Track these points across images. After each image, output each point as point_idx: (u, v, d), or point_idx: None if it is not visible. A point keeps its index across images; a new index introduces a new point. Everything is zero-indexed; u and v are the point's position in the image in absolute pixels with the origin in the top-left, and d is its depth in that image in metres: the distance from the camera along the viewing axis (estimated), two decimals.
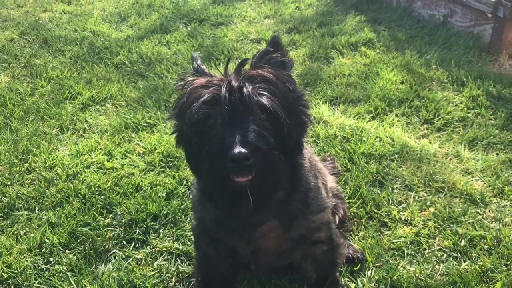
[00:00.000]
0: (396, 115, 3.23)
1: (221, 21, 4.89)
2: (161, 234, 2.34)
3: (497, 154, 2.84)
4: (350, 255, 2.13)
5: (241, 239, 1.71)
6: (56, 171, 2.76)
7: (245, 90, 1.40)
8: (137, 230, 2.35)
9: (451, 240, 2.25)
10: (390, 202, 2.50)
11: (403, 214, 2.42)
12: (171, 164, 2.81)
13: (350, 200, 2.49)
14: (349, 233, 2.31)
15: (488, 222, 2.36)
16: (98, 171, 2.77)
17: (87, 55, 4.16)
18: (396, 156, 2.83)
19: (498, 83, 3.49)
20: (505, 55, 3.89)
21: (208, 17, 4.97)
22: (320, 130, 3.02)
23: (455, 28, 4.32)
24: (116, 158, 2.86)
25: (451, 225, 2.34)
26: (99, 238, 2.30)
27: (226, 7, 5.23)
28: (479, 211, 2.43)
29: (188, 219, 2.40)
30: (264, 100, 1.42)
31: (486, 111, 3.22)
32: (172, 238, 2.31)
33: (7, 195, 2.58)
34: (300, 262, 1.89)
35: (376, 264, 2.15)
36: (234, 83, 1.42)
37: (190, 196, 1.98)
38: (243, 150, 1.35)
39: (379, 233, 2.32)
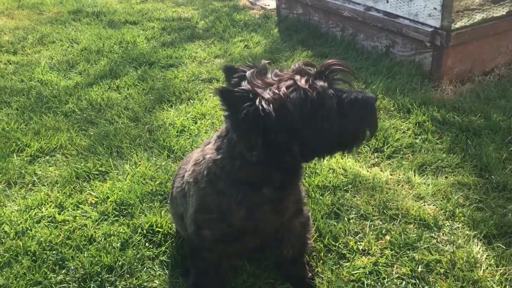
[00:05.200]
0: None
1: (171, 63, 4.91)
2: (118, 287, 2.27)
3: (446, 177, 2.93)
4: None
5: (273, 213, 1.87)
6: (3, 228, 2.64)
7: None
8: (92, 285, 2.27)
9: (408, 267, 2.28)
10: (347, 233, 2.52)
11: (361, 244, 2.45)
12: (125, 212, 2.75)
13: None
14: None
15: (443, 245, 2.41)
16: (49, 225, 2.67)
17: (35, 105, 4.07)
18: (350, 186, 2.87)
19: (442, 108, 3.63)
20: (446, 81, 4.07)
21: (158, 60, 4.98)
22: None
23: (397, 57, 4.50)
24: (68, 210, 2.78)
25: (408, 252, 2.38)
26: None
27: (176, 49, 5.27)
28: (433, 235, 2.49)
29: (145, 268, 2.35)
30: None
31: (433, 136, 3.34)
32: None
33: None
34: (282, 234, 2.10)
35: None
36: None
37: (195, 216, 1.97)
38: None
39: (338, 265, 2.33)
